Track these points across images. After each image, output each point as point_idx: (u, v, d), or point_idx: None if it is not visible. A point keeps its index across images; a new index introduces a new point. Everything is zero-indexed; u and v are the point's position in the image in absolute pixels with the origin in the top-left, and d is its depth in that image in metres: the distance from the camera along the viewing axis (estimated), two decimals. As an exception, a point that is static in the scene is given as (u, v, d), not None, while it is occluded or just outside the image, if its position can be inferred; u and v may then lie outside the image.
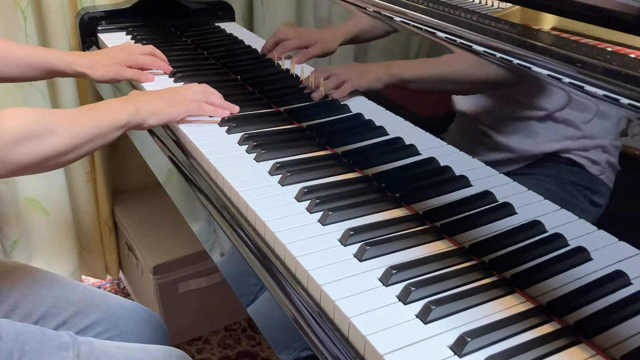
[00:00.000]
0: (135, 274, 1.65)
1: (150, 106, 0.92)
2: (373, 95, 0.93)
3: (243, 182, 0.83)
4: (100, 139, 0.85)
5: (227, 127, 0.98)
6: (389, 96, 0.91)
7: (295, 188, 0.81)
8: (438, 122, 0.83)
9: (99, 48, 1.42)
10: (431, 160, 0.83)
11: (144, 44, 1.34)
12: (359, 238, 0.71)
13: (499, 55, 0.70)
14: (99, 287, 1.84)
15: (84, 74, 1.08)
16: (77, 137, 0.81)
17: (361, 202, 0.78)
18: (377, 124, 0.92)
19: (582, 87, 0.61)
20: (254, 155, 0.90)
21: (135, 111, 0.89)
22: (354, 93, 0.96)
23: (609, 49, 0.66)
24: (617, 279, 0.60)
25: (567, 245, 0.66)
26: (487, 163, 0.75)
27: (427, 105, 0.86)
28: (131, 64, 1.12)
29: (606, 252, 0.62)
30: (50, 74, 1.08)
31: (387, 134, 0.91)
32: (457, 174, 0.79)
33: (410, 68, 0.87)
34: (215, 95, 1.01)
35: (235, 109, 1.01)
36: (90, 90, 1.55)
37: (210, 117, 1.00)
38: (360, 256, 0.68)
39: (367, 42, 0.96)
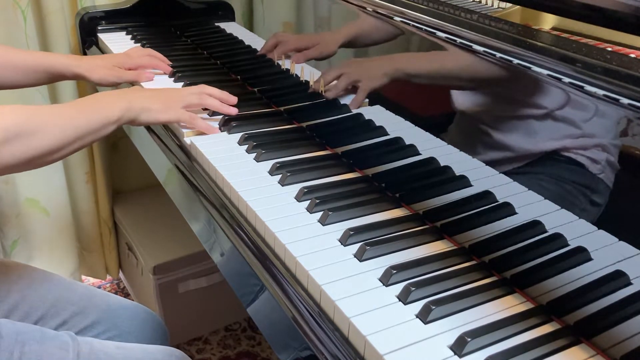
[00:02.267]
0: (135, 274, 1.65)
1: (143, 103, 0.90)
2: (373, 93, 0.94)
3: (243, 182, 0.83)
4: (90, 136, 0.83)
5: (227, 127, 0.98)
6: (389, 95, 0.91)
7: (295, 188, 0.81)
8: (438, 122, 0.83)
9: (99, 48, 1.42)
10: (431, 160, 0.83)
11: (144, 44, 1.34)
12: (359, 238, 0.71)
13: (499, 55, 0.70)
14: (99, 287, 1.84)
15: (83, 76, 1.08)
16: (66, 136, 0.79)
17: (361, 202, 0.78)
18: (377, 124, 0.92)
19: (582, 87, 0.61)
20: (254, 155, 0.90)
21: (127, 106, 0.87)
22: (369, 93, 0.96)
23: (609, 49, 0.66)
24: (617, 279, 0.60)
25: (567, 245, 0.66)
26: (487, 163, 0.75)
27: (427, 105, 0.86)
28: (130, 66, 1.13)
29: (606, 252, 0.62)
30: (51, 78, 1.08)
31: (387, 134, 0.91)
32: (457, 174, 0.79)
33: (417, 62, 0.87)
34: (217, 98, 0.98)
35: (234, 111, 0.99)
36: (91, 91, 1.55)
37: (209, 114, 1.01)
38: (360, 256, 0.68)
39: (368, 46, 0.96)
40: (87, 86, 1.54)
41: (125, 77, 1.11)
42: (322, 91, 1.00)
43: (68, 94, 1.50)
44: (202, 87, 0.99)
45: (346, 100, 0.98)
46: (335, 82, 0.99)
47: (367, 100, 0.96)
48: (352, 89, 0.98)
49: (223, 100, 0.99)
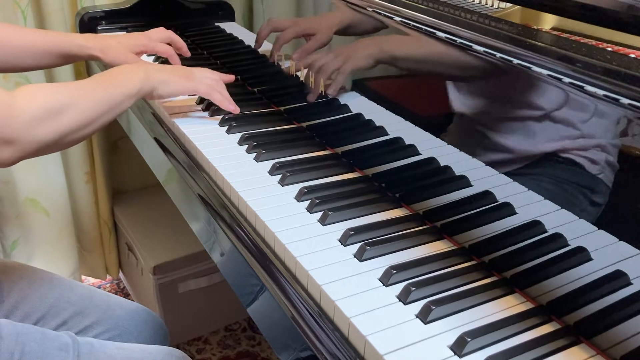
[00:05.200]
0: (135, 274, 1.65)
1: (161, 75, 0.92)
2: (372, 93, 0.93)
3: (243, 182, 0.83)
4: (114, 110, 0.84)
5: (227, 127, 0.98)
6: (388, 95, 0.91)
7: (295, 188, 0.81)
8: (438, 122, 0.83)
9: (99, 48, 1.42)
10: (431, 160, 0.83)
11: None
12: (359, 238, 0.71)
13: (499, 55, 0.70)
14: (99, 287, 1.84)
15: (98, 57, 1.06)
16: (93, 110, 0.81)
17: (361, 202, 0.78)
18: (377, 124, 0.92)
19: (582, 87, 0.61)
20: (254, 155, 0.90)
21: (145, 78, 0.89)
22: (353, 91, 0.96)
23: (609, 49, 0.66)
24: (617, 279, 0.60)
25: (567, 245, 0.66)
26: (487, 163, 0.75)
27: (427, 105, 0.86)
28: (147, 49, 1.10)
29: (606, 252, 0.62)
30: (65, 59, 1.06)
31: (387, 134, 0.91)
32: (457, 174, 0.79)
33: (404, 44, 0.86)
34: (223, 88, 1.00)
35: (237, 110, 1.01)
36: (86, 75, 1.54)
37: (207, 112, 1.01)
38: (360, 256, 0.68)
39: (362, 34, 0.96)
40: (83, 74, 1.54)
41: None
42: (321, 91, 1.00)
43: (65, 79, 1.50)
44: (217, 75, 1.00)
45: (346, 100, 0.98)
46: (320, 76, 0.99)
47: (366, 99, 0.96)
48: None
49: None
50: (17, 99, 0.74)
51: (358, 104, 0.96)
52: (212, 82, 0.98)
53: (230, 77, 1.04)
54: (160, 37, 1.13)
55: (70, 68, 1.51)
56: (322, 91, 1.00)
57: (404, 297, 0.62)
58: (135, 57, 1.07)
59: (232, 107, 0.99)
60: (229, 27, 1.38)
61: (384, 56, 0.89)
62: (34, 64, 1.04)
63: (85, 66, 1.51)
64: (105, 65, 1.06)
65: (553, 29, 0.77)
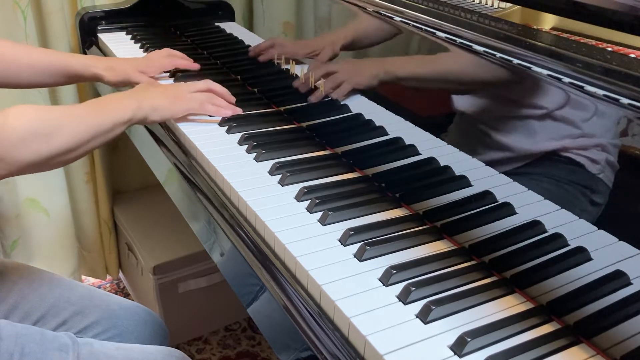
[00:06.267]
0: (135, 274, 1.65)
1: (152, 102, 0.92)
2: (372, 93, 0.93)
3: (243, 182, 0.83)
4: (103, 136, 0.85)
5: (227, 127, 0.98)
6: (388, 96, 0.91)
7: (295, 188, 0.81)
8: (438, 122, 0.83)
9: (99, 48, 1.42)
10: (431, 160, 0.83)
11: (143, 44, 1.34)
12: (359, 238, 0.71)
13: (499, 55, 0.70)
14: (99, 287, 1.84)
15: (101, 77, 1.07)
16: (82, 134, 0.81)
17: (361, 202, 0.78)
18: (377, 124, 0.92)
19: (582, 87, 0.61)
20: (254, 155, 0.90)
21: (137, 107, 0.89)
22: (353, 92, 0.96)
23: (609, 49, 0.66)
24: (617, 279, 0.60)
25: (567, 245, 0.66)
26: (487, 163, 0.75)
27: (427, 105, 0.86)
28: (153, 68, 1.12)
29: (606, 252, 0.62)
30: (68, 78, 1.07)
31: (387, 134, 0.91)
32: (457, 174, 0.79)
33: (408, 65, 0.87)
34: (218, 94, 1.01)
35: (238, 110, 1.01)
36: (91, 92, 1.55)
37: (210, 116, 1.01)
38: (360, 256, 0.68)
39: (366, 48, 0.96)
40: (87, 86, 1.54)
41: (136, 78, 1.09)
42: (322, 93, 1.00)
43: (69, 96, 1.50)
44: (208, 85, 1.00)
45: (346, 100, 0.98)
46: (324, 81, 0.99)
47: (366, 99, 0.96)
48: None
49: (225, 98, 1.00)
50: (8, 118, 0.75)
51: (358, 104, 0.96)
52: (203, 96, 0.99)
53: (222, 90, 1.03)
54: (161, 54, 1.16)
55: (73, 89, 1.51)
56: (322, 92, 1.00)
57: (404, 297, 0.62)
58: (141, 75, 1.09)
59: (227, 112, 0.99)
60: (229, 27, 1.38)
61: (388, 77, 0.90)
62: (37, 81, 1.05)
63: (89, 85, 1.51)
64: (110, 86, 1.07)
65: (553, 29, 0.77)
